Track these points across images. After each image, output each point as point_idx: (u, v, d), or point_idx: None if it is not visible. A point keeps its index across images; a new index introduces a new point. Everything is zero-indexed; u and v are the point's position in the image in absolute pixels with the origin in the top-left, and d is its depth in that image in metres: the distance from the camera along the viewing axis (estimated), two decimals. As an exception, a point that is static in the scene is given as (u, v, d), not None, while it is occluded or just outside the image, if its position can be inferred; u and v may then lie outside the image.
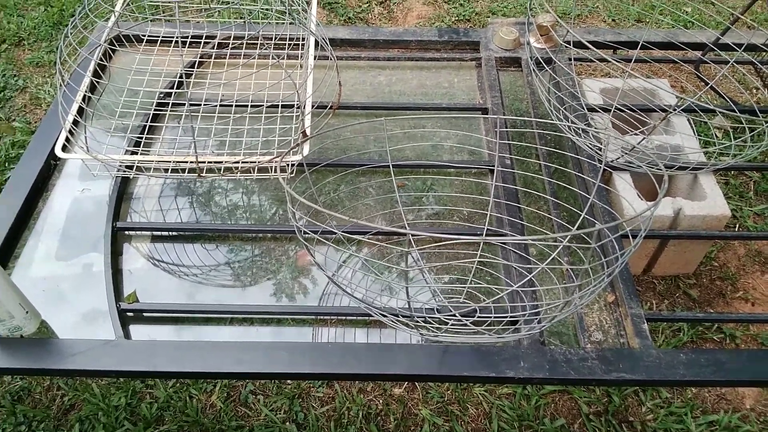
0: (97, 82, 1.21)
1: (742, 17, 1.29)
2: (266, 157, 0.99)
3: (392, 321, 0.82)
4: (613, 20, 2.10)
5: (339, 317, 0.95)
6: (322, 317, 0.95)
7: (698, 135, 1.45)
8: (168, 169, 1.04)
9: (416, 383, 1.19)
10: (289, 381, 1.18)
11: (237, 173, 1.03)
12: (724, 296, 1.33)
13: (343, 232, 0.95)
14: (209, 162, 1.01)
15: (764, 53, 1.29)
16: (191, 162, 0.99)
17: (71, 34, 0.98)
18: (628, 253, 0.81)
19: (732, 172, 1.59)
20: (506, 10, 2.12)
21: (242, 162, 0.99)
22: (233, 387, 1.20)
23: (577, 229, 1.04)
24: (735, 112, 1.23)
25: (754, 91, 1.82)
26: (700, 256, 1.33)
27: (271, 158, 0.93)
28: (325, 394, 1.18)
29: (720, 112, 1.09)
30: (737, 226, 1.47)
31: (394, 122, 1.25)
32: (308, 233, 0.83)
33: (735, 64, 1.26)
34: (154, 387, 1.19)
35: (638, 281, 1.35)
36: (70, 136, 1.03)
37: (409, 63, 1.39)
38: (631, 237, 0.86)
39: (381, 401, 1.17)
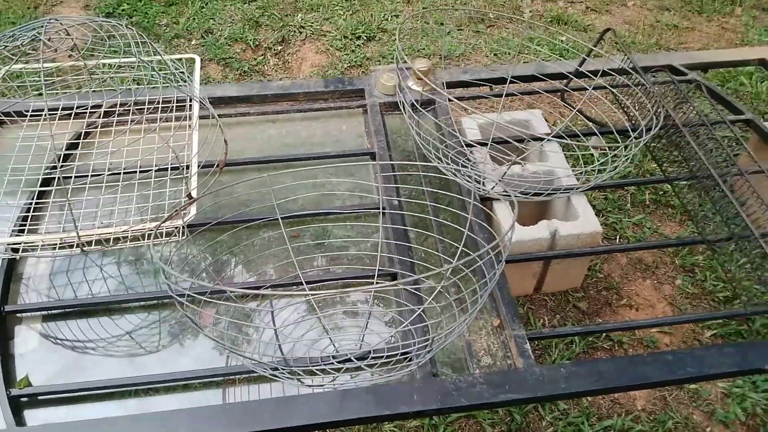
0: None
1: (595, 49, 1.42)
2: (147, 224, 1.01)
3: (277, 376, 0.85)
4: (495, 55, 2.24)
5: (239, 376, 0.97)
6: (224, 378, 0.97)
7: (580, 157, 1.56)
8: (55, 247, 1.04)
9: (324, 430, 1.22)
10: (199, 444, 1.18)
11: (127, 243, 1.04)
12: (611, 305, 1.44)
13: (231, 291, 0.97)
14: (93, 235, 1.01)
15: (618, 77, 1.42)
16: (73, 238, 0.99)
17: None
18: (493, 280, 0.88)
19: (610, 188, 1.71)
20: (396, 53, 2.22)
21: (123, 232, 1.00)
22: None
23: (457, 261, 1.11)
24: (589, 136, 1.35)
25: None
26: (584, 270, 1.43)
27: (153, 227, 0.95)
28: (237, 452, 1.18)
29: (585, 138, 1.20)
30: (617, 237, 1.59)
31: (286, 174, 1.29)
32: (191, 296, 0.84)
33: (593, 90, 1.39)
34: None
35: (531, 300, 1.43)
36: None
37: (299, 114, 1.44)
38: (494, 262, 0.92)
39: (293, 451, 1.19)
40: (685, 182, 1.26)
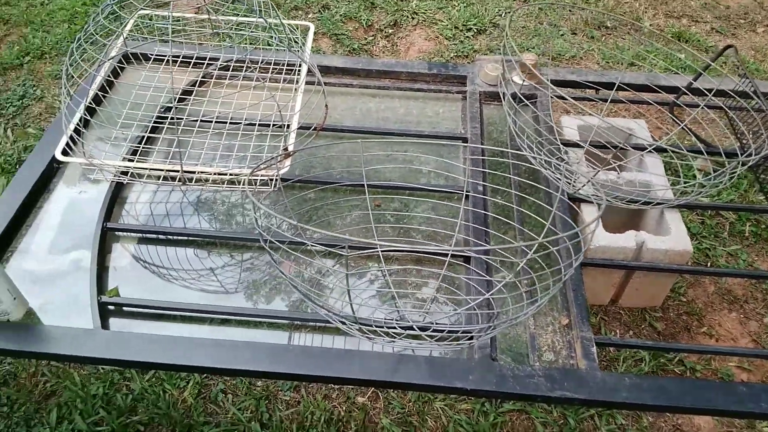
0: (104, 95, 1.31)
1: (713, 64, 1.36)
2: (246, 170, 1.06)
3: (342, 323, 0.88)
4: (607, 63, 2.18)
5: (308, 323, 1.01)
6: (292, 322, 1.01)
7: (681, 174, 1.51)
8: (159, 177, 1.12)
9: (379, 393, 1.24)
10: (258, 383, 1.24)
11: (223, 185, 1.11)
12: (689, 330, 1.37)
13: (313, 244, 1.02)
14: (195, 172, 1.09)
15: (733, 99, 1.35)
16: (177, 171, 1.06)
17: (77, 51, 1.07)
18: (569, 270, 0.87)
19: (709, 212, 1.63)
20: (504, 41, 2.21)
21: (222, 174, 1.07)
22: (205, 385, 1.26)
23: (534, 254, 1.11)
24: (695, 154, 1.30)
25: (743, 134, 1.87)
26: (666, 289, 1.37)
27: (250, 171, 1.00)
28: (292, 398, 1.24)
29: (690, 155, 1.16)
30: (709, 264, 1.51)
31: (378, 145, 1.33)
32: (273, 242, 0.89)
33: (706, 108, 1.33)
34: (131, 379, 1.25)
35: (605, 311, 1.39)
36: (71, 143, 1.12)
37: (399, 92, 1.47)
38: (572, 252, 0.91)
39: (344, 408, 1.23)
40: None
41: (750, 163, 1.06)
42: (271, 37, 1.36)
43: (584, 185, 1.17)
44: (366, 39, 2.26)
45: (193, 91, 1.39)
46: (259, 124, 1.22)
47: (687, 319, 1.40)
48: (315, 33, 2.24)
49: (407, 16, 2.39)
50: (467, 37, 2.29)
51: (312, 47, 2.23)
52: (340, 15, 2.35)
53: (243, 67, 1.39)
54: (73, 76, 1.10)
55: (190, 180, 1.10)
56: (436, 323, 0.98)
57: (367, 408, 1.23)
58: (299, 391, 1.24)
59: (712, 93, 1.36)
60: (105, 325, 0.97)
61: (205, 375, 1.26)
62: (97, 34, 1.07)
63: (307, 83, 1.27)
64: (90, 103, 1.20)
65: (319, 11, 2.40)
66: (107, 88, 1.33)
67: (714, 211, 1.64)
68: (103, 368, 1.27)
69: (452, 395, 1.24)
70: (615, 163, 1.34)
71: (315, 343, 0.98)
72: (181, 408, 1.22)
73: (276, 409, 1.22)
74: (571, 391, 0.93)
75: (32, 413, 1.21)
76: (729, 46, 1.52)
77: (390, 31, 2.32)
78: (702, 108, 1.31)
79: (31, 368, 1.27)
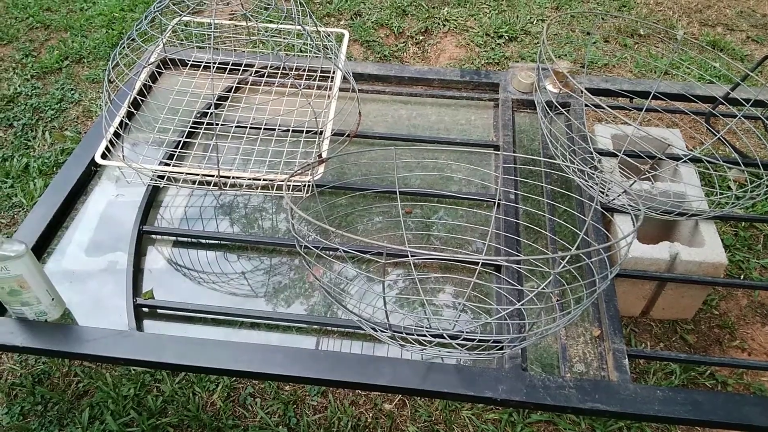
0: (142, 99, 1.33)
1: (752, 74, 1.33)
2: (280, 175, 1.07)
3: (374, 330, 0.89)
4: (640, 71, 2.15)
5: (336, 328, 1.02)
6: (321, 327, 1.02)
7: (716, 185, 1.48)
8: (195, 182, 1.13)
9: (406, 400, 1.24)
10: (286, 387, 1.25)
11: (257, 190, 1.12)
12: (721, 344, 1.35)
13: (344, 249, 1.02)
14: (230, 177, 1.10)
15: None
16: (214, 176, 1.08)
17: (119, 55, 1.10)
18: (603, 282, 0.86)
19: (742, 223, 1.60)
20: (536, 55, 2.20)
21: (257, 179, 1.08)
22: (234, 388, 1.27)
23: (567, 264, 1.10)
24: (730, 165, 1.28)
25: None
26: (699, 302, 1.35)
27: (286, 177, 1.01)
28: (319, 403, 1.25)
29: (726, 165, 1.14)
30: (742, 276, 1.49)
31: (409, 152, 1.33)
32: (309, 247, 0.90)
33: (743, 118, 1.30)
34: (162, 381, 1.27)
35: (636, 323, 1.37)
36: (110, 146, 1.14)
37: (431, 99, 1.47)
38: (607, 264, 0.90)
39: (371, 415, 1.23)
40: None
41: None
42: (305, 43, 1.38)
43: (619, 195, 1.16)
44: (397, 45, 2.27)
45: (228, 96, 1.41)
46: (293, 131, 1.24)
47: (719, 333, 1.38)
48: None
49: (438, 23, 2.39)
50: (498, 44, 2.28)
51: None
52: (372, 22, 2.37)
53: (278, 73, 1.41)
54: (113, 81, 1.12)
55: (225, 185, 1.12)
56: (467, 332, 0.98)
57: (393, 415, 1.23)
58: (326, 397, 1.25)
59: (750, 103, 1.34)
60: (140, 327, 0.99)
61: (234, 378, 1.27)
62: (139, 39, 1.09)
63: (340, 90, 1.29)
64: (129, 107, 1.22)
65: (351, 18, 2.42)
66: (145, 92, 1.36)
67: (748, 223, 1.61)
68: (134, 369, 1.29)
69: (480, 404, 1.24)
70: (650, 173, 1.33)
71: (342, 348, 0.99)
72: (210, 411, 1.24)
73: (303, 413, 1.22)
74: (602, 403, 0.92)
75: (65, 412, 1.24)
76: (768, 56, 1.49)
77: (421, 37, 2.33)
78: (738, 118, 1.29)
79: (64, 368, 1.30)
